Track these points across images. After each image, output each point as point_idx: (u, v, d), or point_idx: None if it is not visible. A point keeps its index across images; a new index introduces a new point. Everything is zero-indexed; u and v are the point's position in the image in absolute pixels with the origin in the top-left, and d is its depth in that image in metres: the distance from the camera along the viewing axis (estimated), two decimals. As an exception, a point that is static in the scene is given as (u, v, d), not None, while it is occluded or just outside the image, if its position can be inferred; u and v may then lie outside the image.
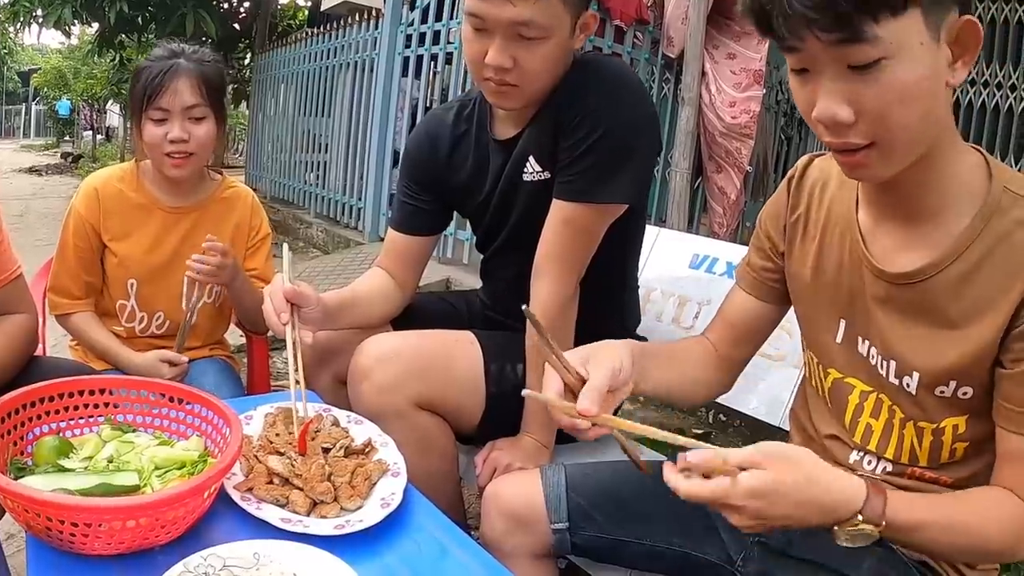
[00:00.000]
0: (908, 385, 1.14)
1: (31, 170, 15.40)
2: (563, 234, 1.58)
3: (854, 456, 1.23)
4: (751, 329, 1.40)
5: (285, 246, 1.59)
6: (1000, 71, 5.01)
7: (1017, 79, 4.98)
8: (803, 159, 1.33)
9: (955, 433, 1.13)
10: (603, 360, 1.14)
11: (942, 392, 1.11)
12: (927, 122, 1.00)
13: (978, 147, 1.11)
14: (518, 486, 1.37)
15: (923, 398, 1.13)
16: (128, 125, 17.20)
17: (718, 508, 0.99)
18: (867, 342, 1.19)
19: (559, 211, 1.58)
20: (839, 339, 1.23)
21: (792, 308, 1.36)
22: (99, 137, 21.05)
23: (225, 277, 1.86)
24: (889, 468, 1.19)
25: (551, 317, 1.56)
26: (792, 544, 1.22)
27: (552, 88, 1.59)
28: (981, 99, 5.10)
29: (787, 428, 1.67)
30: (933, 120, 1.01)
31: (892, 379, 1.16)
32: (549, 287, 1.59)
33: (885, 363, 1.16)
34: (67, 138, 24.18)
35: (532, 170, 1.64)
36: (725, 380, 1.44)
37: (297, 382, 1.37)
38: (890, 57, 0.95)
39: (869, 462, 1.21)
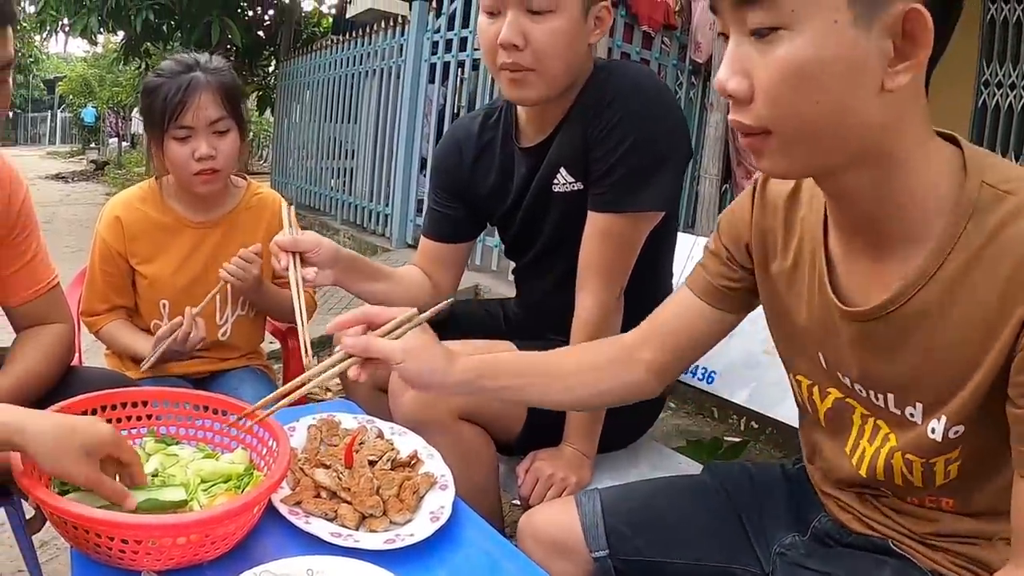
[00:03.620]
0: (912, 416, 1.01)
1: (57, 176, 15.57)
2: (602, 245, 1.58)
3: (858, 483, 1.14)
4: (698, 336, 1.28)
5: (284, 203, 1.58)
6: (1014, 71, 4.94)
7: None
8: None
9: (946, 463, 1.01)
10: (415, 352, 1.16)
11: (933, 432, 0.98)
12: (838, 120, 0.86)
13: (953, 136, 0.95)
14: (553, 515, 1.35)
15: (923, 430, 1.00)
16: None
17: None
18: (847, 377, 1.08)
19: (595, 223, 1.58)
20: (824, 366, 1.12)
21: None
22: (124, 144, 21.23)
23: (250, 284, 1.84)
24: (888, 495, 1.12)
25: (596, 328, 1.57)
26: (811, 556, 1.20)
27: (574, 91, 1.59)
28: (995, 100, 5.04)
29: None
30: (854, 121, 0.86)
31: (893, 408, 1.03)
32: (592, 299, 1.59)
33: (881, 396, 1.04)
34: (92, 145, 24.39)
35: (564, 181, 1.63)
36: (650, 387, 1.33)
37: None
38: (788, 28, 0.83)
39: (873, 490, 1.13)
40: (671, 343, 1.29)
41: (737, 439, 3.14)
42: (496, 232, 1.94)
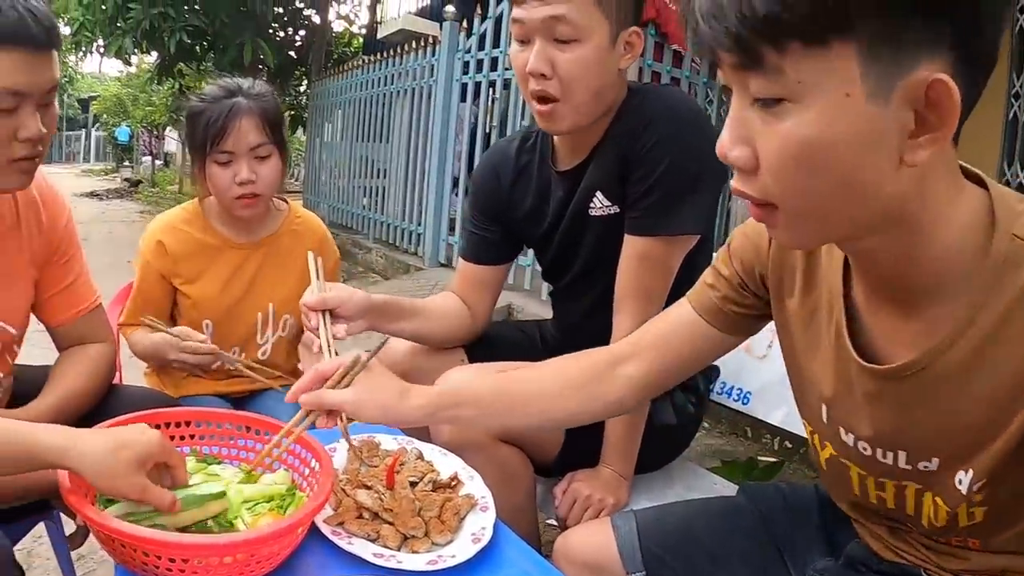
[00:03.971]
0: (926, 467, 0.97)
1: (92, 194, 15.73)
2: (639, 269, 1.59)
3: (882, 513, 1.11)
4: (694, 355, 1.24)
5: (310, 255, 1.59)
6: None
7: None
8: None
9: (968, 507, 0.96)
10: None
11: (959, 483, 0.94)
12: (850, 196, 0.79)
13: (979, 176, 0.89)
14: (588, 536, 1.35)
15: (942, 478, 0.96)
16: (185, 152, 17.62)
17: None
18: (852, 435, 1.02)
19: (632, 246, 1.59)
20: (824, 420, 1.07)
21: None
22: (158, 163, 21.54)
23: None
24: (913, 530, 1.08)
25: None
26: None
27: (609, 115, 1.61)
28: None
29: None
30: (869, 196, 0.79)
31: (904, 465, 0.98)
32: (630, 322, 1.58)
33: (891, 453, 0.99)
34: (126, 163, 24.75)
35: (600, 205, 1.65)
36: (626, 405, 1.30)
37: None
38: (794, 101, 0.76)
39: (902, 524, 1.09)
40: (662, 360, 1.25)
41: (772, 459, 3.12)
42: (529, 251, 1.96)
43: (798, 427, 1.85)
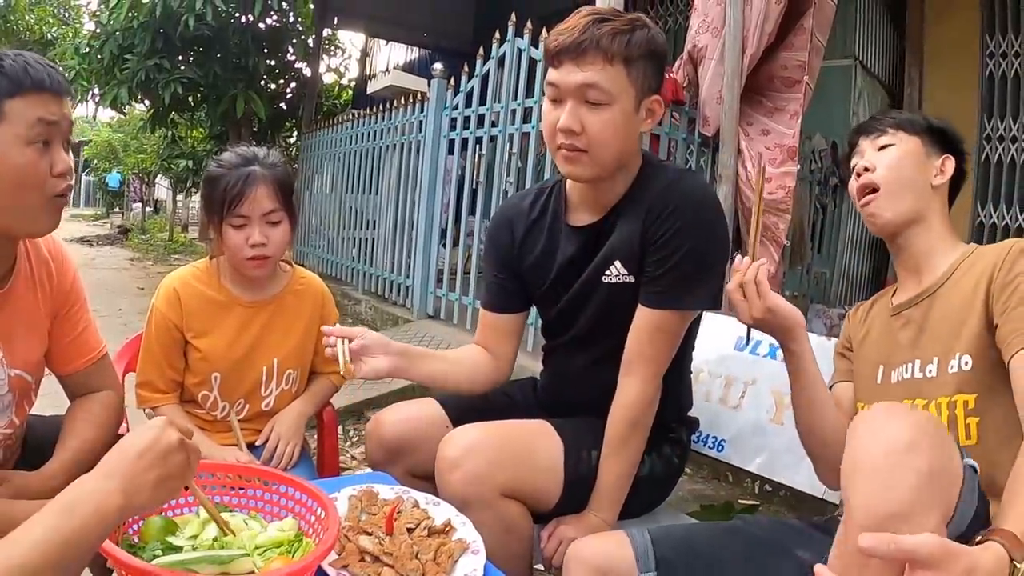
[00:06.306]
0: (930, 372, 1.48)
1: (82, 240, 15.70)
2: (652, 337, 1.73)
3: None
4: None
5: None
6: (1014, 125, 5.13)
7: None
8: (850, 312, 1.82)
9: (966, 409, 1.42)
10: None
11: (952, 368, 1.44)
12: (919, 197, 1.63)
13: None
14: (602, 543, 1.53)
15: (941, 377, 1.46)
16: (175, 200, 17.68)
17: None
18: (894, 371, 1.58)
19: (648, 317, 1.73)
20: (879, 379, 1.60)
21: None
22: (148, 209, 21.55)
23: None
24: None
25: (640, 412, 1.73)
26: None
27: (625, 176, 1.77)
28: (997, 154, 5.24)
29: (829, 500, 1.85)
30: (923, 199, 1.63)
31: (917, 374, 1.51)
32: (639, 386, 1.73)
33: (910, 366, 1.53)
34: (116, 209, 24.70)
35: (617, 273, 1.77)
36: None
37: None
38: (895, 144, 1.66)
39: None
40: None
41: (751, 502, 3.22)
42: (532, 309, 2.08)
43: (775, 472, 2.02)
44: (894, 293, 1.70)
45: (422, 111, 5.95)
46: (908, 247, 1.63)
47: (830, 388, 1.73)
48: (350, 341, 1.70)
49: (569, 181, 1.87)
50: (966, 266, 1.53)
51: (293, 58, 10.40)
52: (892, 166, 1.62)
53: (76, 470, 1.48)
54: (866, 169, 1.64)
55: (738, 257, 1.58)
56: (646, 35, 1.64)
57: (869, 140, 1.68)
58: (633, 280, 1.75)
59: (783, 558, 1.47)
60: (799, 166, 4.60)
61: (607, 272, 1.78)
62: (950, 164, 1.64)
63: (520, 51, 4.77)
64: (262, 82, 10.01)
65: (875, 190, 1.62)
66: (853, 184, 1.68)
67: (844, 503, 1.07)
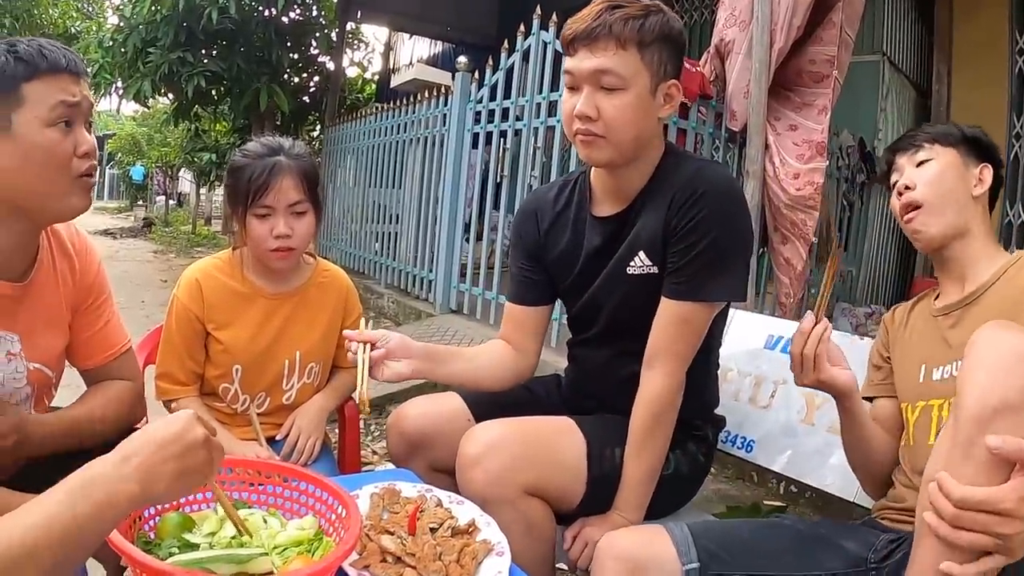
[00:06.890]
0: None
1: (106, 232, 15.81)
2: (676, 330, 1.70)
3: None
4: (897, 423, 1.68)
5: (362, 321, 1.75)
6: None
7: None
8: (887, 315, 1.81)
9: None
10: None
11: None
12: (961, 211, 1.62)
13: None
14: (637, 535, 1.50)
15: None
16: (199, 193, 17.79)
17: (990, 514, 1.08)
18: (936, 369, 1.56)
19: (672, 309, 1.70)
20: (921, 378, 1.59)
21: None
22: (171, 202, 21.70)
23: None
24: None
25: (663, 406, 1.69)
26: None
27: (646, 165, 1.75)
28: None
29: (860, 503, 1.83)
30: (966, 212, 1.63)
31: (953, 373, 1.50)
32: (663, 379, 1.69)
33: (953, 366, 1.52)
34: (140, 202, 24.87)
35: (641, 264, 1.75)
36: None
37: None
38: (934, 159, 1.66)
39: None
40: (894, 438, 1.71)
41: (777, 503, 3.17)
42: (557, 305, 2.05)
43: (801, 473, 1.97)
44: (936, 296, 1.69)
45: (446, 105, 5.93)
46: (953, 258, 1.63)
47: (867, 399, 1.73)
48: (372, 347, 1.67)
49: (593, 172, 1.85)
50: (1014, 271, 1.54)
51: (316, 52, 10.39)
52: (932, 181, 1.61)
53: (71, 432, 1.53)
54: (907, 187, 1.64)
55: (807, 315, 1.59)
56: (660, 20, 1.63)
57: (906, 157, 1.68)
58: (657, 271, 1.73)
59: (830, 548, 1.45)
60: (827, 162, 4.53)
61: (631, 263, 1.75)
62: (988, 173, 1.63)
63: (545, 44, 4.74)
64: (285, 75, 10.04)
65: (918, 207, 1.61)
66: (895, 203, 1.68)
67: (954, 406, 1.18)
